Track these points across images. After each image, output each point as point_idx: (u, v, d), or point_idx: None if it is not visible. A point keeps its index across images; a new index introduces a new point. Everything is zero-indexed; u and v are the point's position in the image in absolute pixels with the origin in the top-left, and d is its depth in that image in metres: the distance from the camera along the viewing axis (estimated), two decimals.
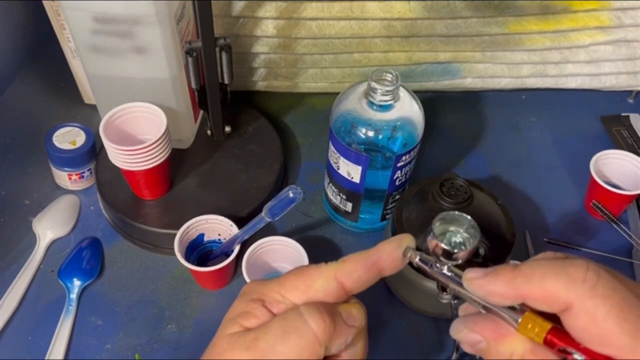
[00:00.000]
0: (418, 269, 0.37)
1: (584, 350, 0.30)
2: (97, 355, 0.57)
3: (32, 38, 0.86)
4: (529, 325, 0.31)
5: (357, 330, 0.36)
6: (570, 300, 0.30)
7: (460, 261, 0.35)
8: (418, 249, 0.36)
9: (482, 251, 0.51)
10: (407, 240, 0.36)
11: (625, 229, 0.69)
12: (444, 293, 0.37)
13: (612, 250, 0.67)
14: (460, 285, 0.34)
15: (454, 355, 0.51)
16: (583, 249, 0.67)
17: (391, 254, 0.36)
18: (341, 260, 0.36)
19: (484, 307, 0.33)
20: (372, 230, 0.68)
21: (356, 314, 0.36)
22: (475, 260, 0.51)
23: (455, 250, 0.34)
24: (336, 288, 0.35)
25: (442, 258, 0.35)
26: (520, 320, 0.31)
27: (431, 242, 0.35)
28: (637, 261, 0.66)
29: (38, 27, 0.85)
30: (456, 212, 0.36)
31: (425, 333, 0.60)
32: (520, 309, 0.32)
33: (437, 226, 0.35)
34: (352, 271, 0.35)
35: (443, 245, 0.34)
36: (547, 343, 0.31)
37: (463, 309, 0.37)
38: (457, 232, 0.35)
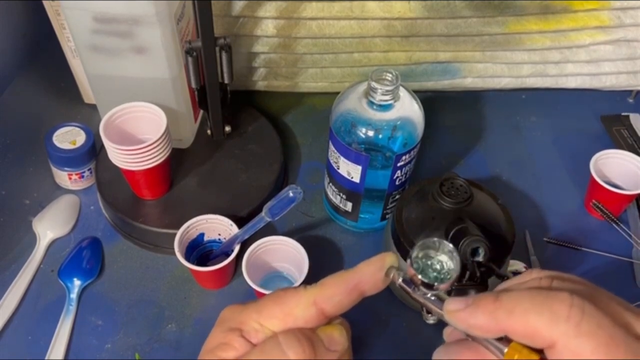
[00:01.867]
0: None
1: None
2: (97, 355, 0.57)
3: (32, 38, 0.86)
4: (515, 356, 0.30)
5: (340, 354, 0.34)
6: (554, 338, 0.29)
7: (442, 291, 0.33)
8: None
9: (482, 251, 0.51)
10: (389, 260, 0.35)
11: (625, 229, 0.69)
12: (429, 315, 0.35)
13: (612, 250, 0.67)
14: (441, 311, 0.33)
15: None
16: (583, 249, 0.67)
17: (373, 276, 0.34)
18: (320, 284, 0.34)
19: (468, 334, 0.32)
20: (372, 230, 0.68)
21: (338, 338, 0.34)
22: (475, 260, 0.51)
23: (435, 284, 0.33)
24: (316, 314, 0.34)
25: (422, 287, 0.33)
26: (506, 350, 0.30)
27: (409, 271, 0.33)
28: (637, 261, 0.66)
29: (38, 27, 0.85)
30: (436, 239, 0.34)
31: (425, 333, 0.60)
32: (506, 338, 0.31)
33: (415, 255, 0.34)
34: (332, 296, 0.34)
35: (421, 278, 0.33)
36: None
37: (448, 333, 0.36)
38: (437, 263, 0.34)
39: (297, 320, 0.34)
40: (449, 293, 0.34)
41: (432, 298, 0.34)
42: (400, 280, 0.34)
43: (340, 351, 0.34)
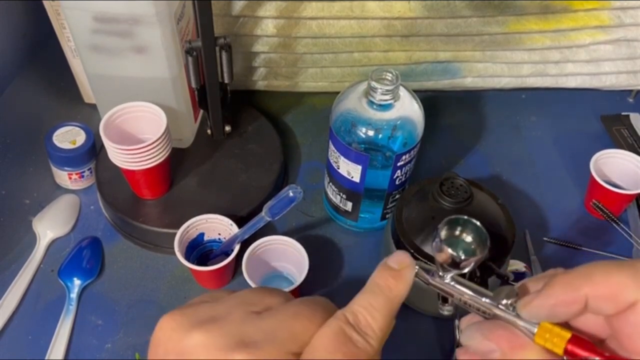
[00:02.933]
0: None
1: (610, 358, 0.28)
2: (97, 354, 0.57)
3: (32, 38, 0.86)
4: (547, 335, 0.30)
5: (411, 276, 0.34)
6: (638, 296, 0.28)
7: (466, 270, 0.33)
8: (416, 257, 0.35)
9: None
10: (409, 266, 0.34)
11: (625, 229, 0.69)
12: (445, 304, 0.35)
13: (612, 249, 0.67)
14: (464, 294, 0.33)
15: (454, 355, 0.51)
16: (583, 249, 0.67)
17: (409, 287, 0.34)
18: (374, 336, 0.32)
19: (494, 317, 0.32)
20: (372, 230, 0.68)
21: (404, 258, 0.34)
22: None
23: (463, 257, 0.32)
24: None
25: (446, 266, 0.33)
26: (536, 330, 0.30)
27: (437, 248, 0.33)
28: None
29: (38, 27, 0.85)
30: (465, 217, 0.33)
31: (425, 333, 0.60)
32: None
33: (444, 231, 0.33)
34: (388, 330, 0.34)
35: (450, 252, 0.32)
36: (568, 353, 0.29)
37: (466, 321, 0.35)
38: (465, 239, 0.33)
39: None
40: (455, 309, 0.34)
41: (452, 283, 0.33)
42: (416, 268, 0.34)
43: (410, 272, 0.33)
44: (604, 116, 0.82)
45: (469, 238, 0.33)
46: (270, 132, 0.74)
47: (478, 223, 0.33)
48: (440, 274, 0.34)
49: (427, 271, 0.34)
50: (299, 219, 0.69)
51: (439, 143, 0.78)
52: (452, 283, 0.33)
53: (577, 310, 0.30)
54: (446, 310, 0.36)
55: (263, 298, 0.33)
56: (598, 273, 0.29)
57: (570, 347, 0.29)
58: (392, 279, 0.33)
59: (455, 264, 0.33)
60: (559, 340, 0.29)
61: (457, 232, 0.33)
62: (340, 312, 0.32)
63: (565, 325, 0.30)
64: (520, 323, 0.31)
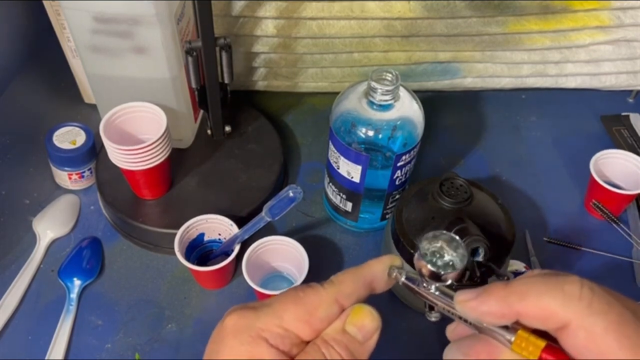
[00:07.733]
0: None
1: None
2: (97, 355, 0.57)
3: (32, 38, 0.86)
4: (523, 344, 0.31)
5: (375, 340, 0.34)
6: (568, 318, 0.29)
7: (449, 282, 0.34)
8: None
9: (482, 251, 0.51)
10: (397, 261, 0.36)
11: (625, 229, 0.69)
12: (432, 311, 0.36)
13: (612, 250, 0.67)
14: (450, 304, 0.34)
15: None
16: (583, 249, 0.67)
17: (384, 273, 0.35)
18: (337, 282, 0.34)
19: (475, 327, 0.33)
20: (372, 230, 0.68)
21: (369, 325, 0.34)
22: (475, 260, 0.51)
23: (442, 272, 0.33)
24: (338, 312, 0.34)
25: (429, 279, 0.34)
26: (513, 339, 0.31)
27: (418, 263, 0.34)
28: (637, 261, 0.66)
29: (38, 27, 0.85)
30: (444, 232, 0.34)
31: (425, 333, 0.60)
32: (512, 327, 0.31)
33: (424, 246, 0.34)
34: (352, 293, 0.34)
35: (430, 267, 0.33)
36: None
37: (451, 330, 0.36)
38: (446, 252, 0.34)
39: (322, 321, 0.33)
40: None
41: (437, 293, 0.34)
42: (403, 278, 0.35)
43: (375, 338, 0.34)
44: (604, 116, 0.82)
45: (449, 251, 0.34)
46: (270, 132, 0.74)
47: (457, 237, 0.34)
48: (425, 285, 0.35)
49: (413, 281, 0.35)
50: (299, 219, 0.69)
51: (439, 143, 0.78)
52: (437, 293, 0.34)
53: (506, 322, 0.31)
54: (433, 317, 0.36)
55: None
56: (532, 294, 0.30)
57: (544, 355, 0.30)
58: None
59: (436, 277, 0.34)
60: (534, 349, 0.30)
61: (437, 246, 0.34)
62: None
63: (544, 334, 0.31)
64: (499, 332, 0.32)
